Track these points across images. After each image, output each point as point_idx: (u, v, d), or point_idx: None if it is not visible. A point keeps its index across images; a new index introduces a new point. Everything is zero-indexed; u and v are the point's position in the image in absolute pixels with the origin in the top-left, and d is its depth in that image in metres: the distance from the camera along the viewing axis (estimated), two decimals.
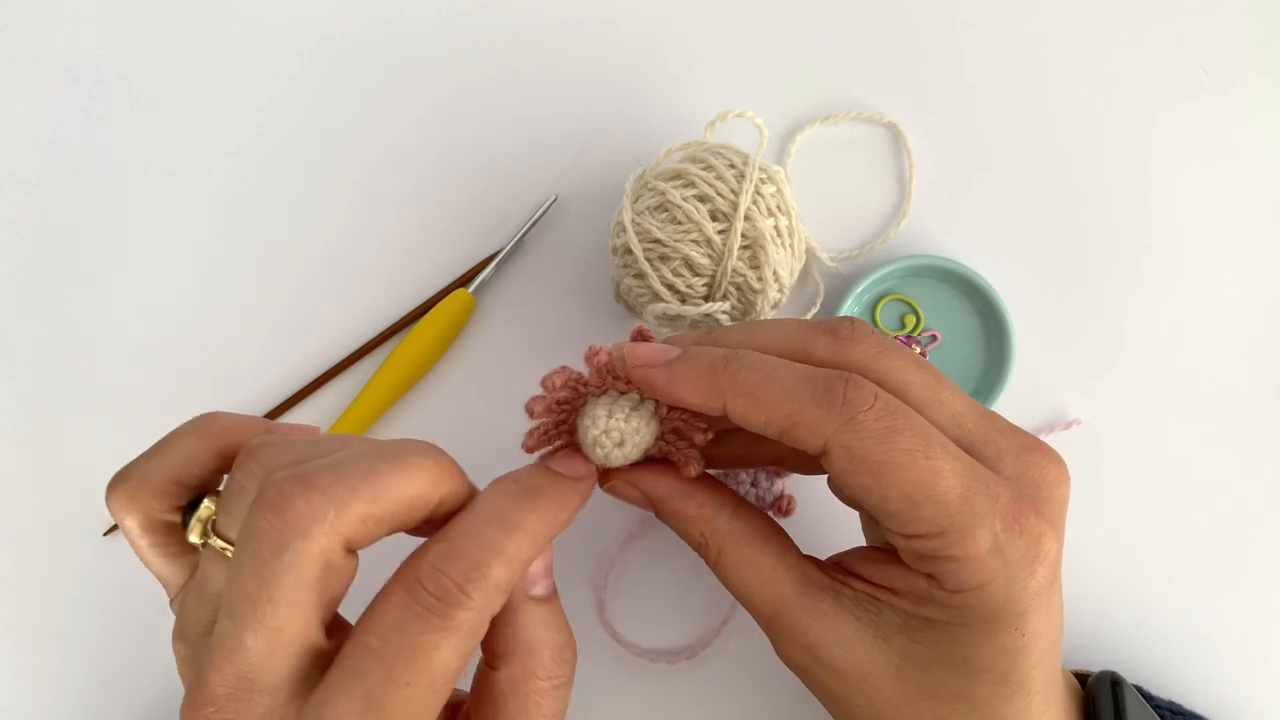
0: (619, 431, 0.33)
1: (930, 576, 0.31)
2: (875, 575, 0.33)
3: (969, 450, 0.32)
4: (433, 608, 0.27)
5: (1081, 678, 0.39)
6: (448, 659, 0.27)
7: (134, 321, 0.51)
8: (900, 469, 0.30)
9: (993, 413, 0.33)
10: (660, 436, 0.35)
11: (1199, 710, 0.44)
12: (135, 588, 0.48)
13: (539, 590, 0.31)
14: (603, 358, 0.33)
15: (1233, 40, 0.50)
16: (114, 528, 0.49)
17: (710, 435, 0.35)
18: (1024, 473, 0.32)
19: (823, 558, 0.36)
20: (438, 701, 0.27)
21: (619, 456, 0.34)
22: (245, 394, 0.49)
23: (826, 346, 0.33)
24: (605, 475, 0.36)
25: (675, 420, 0.35)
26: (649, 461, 0.36)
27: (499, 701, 0.30)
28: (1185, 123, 0.49)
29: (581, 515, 0.36)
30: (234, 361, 0.50)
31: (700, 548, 0.35)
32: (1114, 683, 0.38)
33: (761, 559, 0.34)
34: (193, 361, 0.50)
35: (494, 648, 0.31)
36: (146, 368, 0.50)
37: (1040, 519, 0.30)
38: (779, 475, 0.45)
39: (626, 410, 0.34)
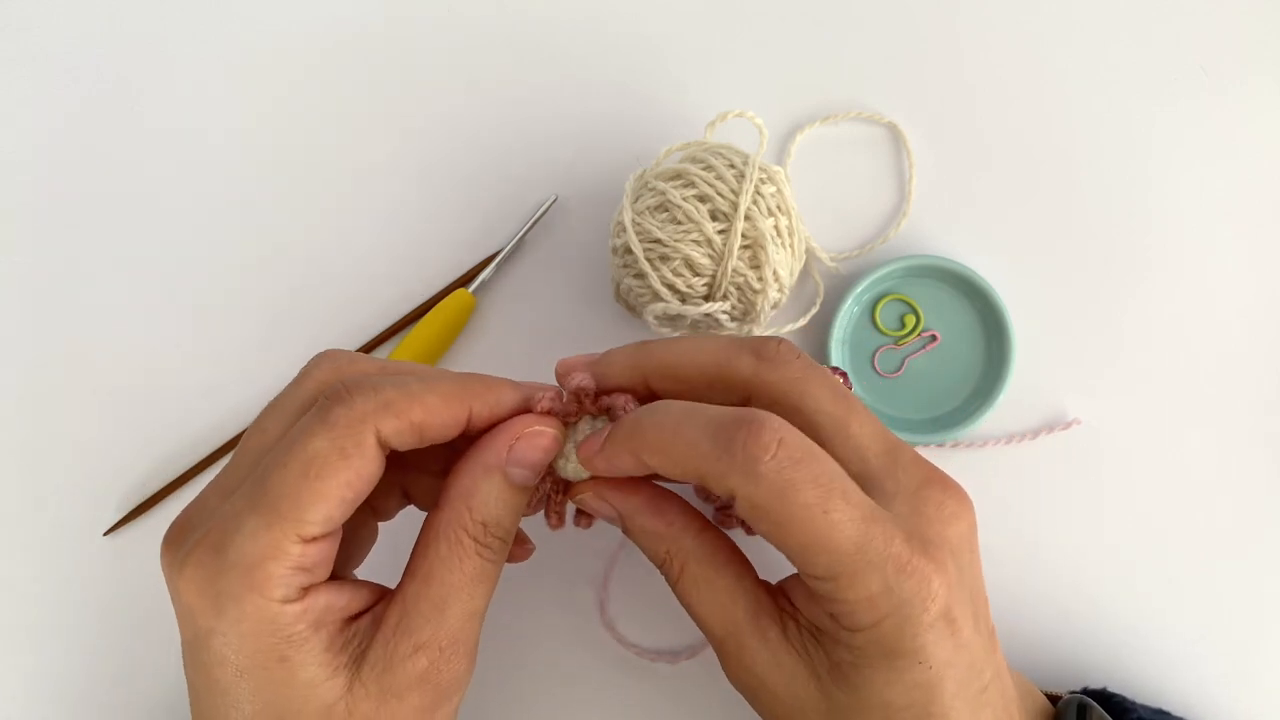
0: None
1: (832, 616, 0.32)
2: (804, 609, 0.34)
3: (869, 484, 0.32)
4: (321, 406, 0.32)
5: (1056, 699, 0.39)
6: (320, 448, 0.31)
7: (133, 322, 0.51)
8: (798, 523, 0.30)
9: (901, 446, 0.34)
10: None
11: (1192, 715, 0.44)
12: (136, 588, 0.48)
13: (514, 472, 0.34)
14: (545, 404, 0.35)
15: (1233, 40, 0.50)
16: (114, 528, 0.49)
17: None
18: (919, 509, 0.32)
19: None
20: (312, 489, 0.31)
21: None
22: (246, 394, 0.49)
23: (749, 365, 0.34)
24: (575, 489, 0.37)
25: None
26: (621, 480, 0.36)
27: (429, 539, 0.34)
28: (1185, 123, 0.49)
29: None
30: (234, 362, 0.50)
31: (663, 564, 0.36)
32: (1080, 706, 0.38)
33: (719, 580, 0.35)
34: (192, 362, 0.50)
35: (445, 491, 0.34)
36: (145, 368, 0.50)
37: (927, 560, 0.31)
38: None
39: (586, 434, 0.36)
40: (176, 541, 0.32)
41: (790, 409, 0.33)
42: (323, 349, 0.49)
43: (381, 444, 0.32)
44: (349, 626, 0.33)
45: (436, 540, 0.33)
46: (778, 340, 0.34)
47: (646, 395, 0.36)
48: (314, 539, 0.31)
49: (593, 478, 0.36)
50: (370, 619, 0.33)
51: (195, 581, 0.31)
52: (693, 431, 0.32)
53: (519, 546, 0.39)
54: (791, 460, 0.30)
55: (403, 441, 0.33)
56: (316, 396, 0.33)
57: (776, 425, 0.31)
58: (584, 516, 0.37)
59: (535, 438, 0.34)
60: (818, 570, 0.31)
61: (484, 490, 0.34)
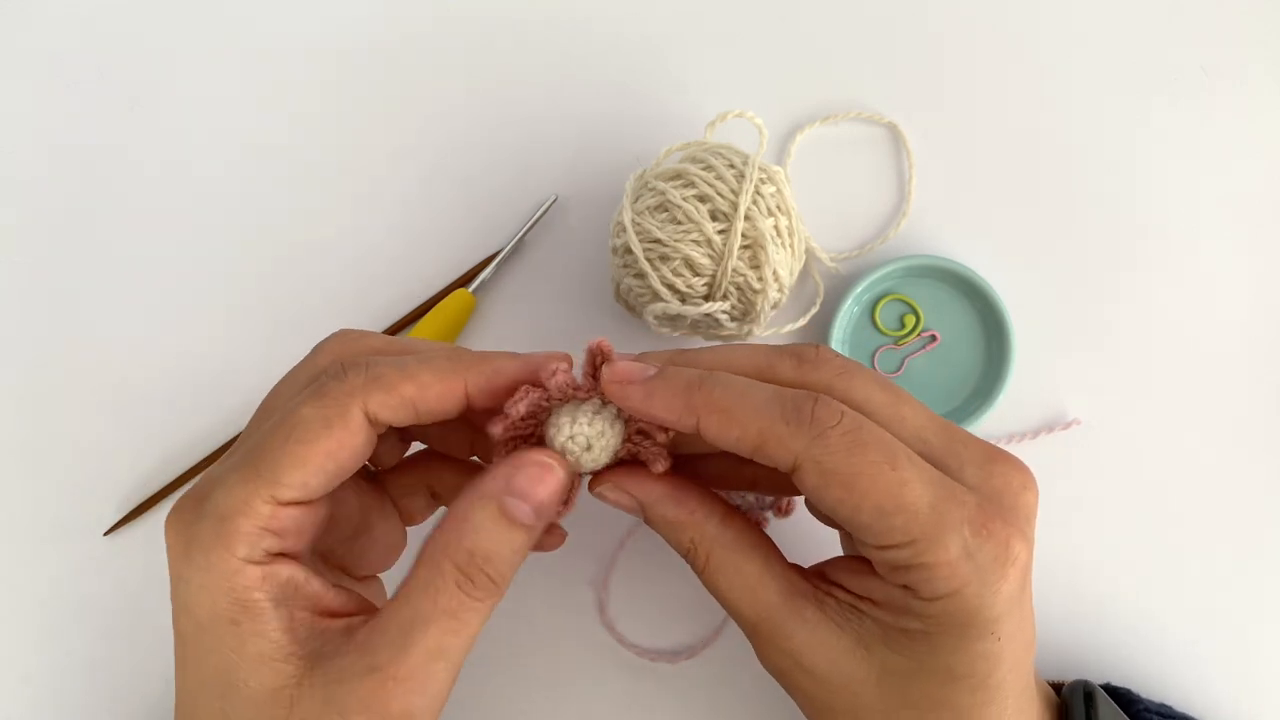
0: (584, 437, 0.34)
1: (905, 587, 0.31)
2: (855, 585, 0.34)
3: (933, 463, 0.32)
4: (319, 381, 0.33)
5: (1059, 688, 0.40)
6: (307, 416, 0.32)
7: (133, 321, 0.51)
8: (869, 480, 0.30)
9: (954, 426, 0.34)
10: (627, 438, 0.36)
11: (1194, 713, 0.44)
12: (135, 588, 0.48)
13: (511, 503, 0.32)
14: (560, 378, 0.34)
15: (1233, 40, 0.50)
16: (114, 528, 0.49)
17: (672, 433, 0.35)
18: (988, 482, 0.32)
19: (821, 559, 0.36)
20: (291, 454, 0.31)
21: (589, 460, 0.35)
22: (247, 393, 0.49)
23: (792, 369, 0.34)
24: (595, 480, 0.36)
25: (640, 421, 0.35)
26: (638, 466, 0.36)
27: (416, 562, 0.32)
28: (1185, 123, 0.49)
29: (582, 515, 0.37)
30: (235, 361, 0.50)
31: (688, 553, 0.36)
32: (1087, 692, 0.38)
33: (748, 566, 0.34)
34: (192, 362, 0.50)
35: (444, 517, 0.33)
36: (146, 367, 0.50)
37: (1007, 525, 0.31)
38: None
39: (589, 415, 0.34)
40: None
41: (841, 401, 0.33)
42: None
43: (371, 419, 0.32)
44: (318, 621, 0.32)
45: (419, 564, 0.32)
46: (815, 345, 0.35)
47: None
48: (288, 504, 0.31)
49: (609, 469, 0.35)
50: (345, 625, 0.32)
51: (175, 527, 0.32)
52: (760, 396, 0.32)
53: (550, 535, 0.37)
54: (856, 426, 0.31)
55: (395, 417, 0.33)
56: (324, 370, 0.34)
57: (839, 403, 0.32)
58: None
59: (534, 468, 0.33)
60: (893, 536, 0.30)
61: (476, 517, 0.32)
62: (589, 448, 0.34)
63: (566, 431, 0.34)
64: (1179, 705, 0.44)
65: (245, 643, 0.31)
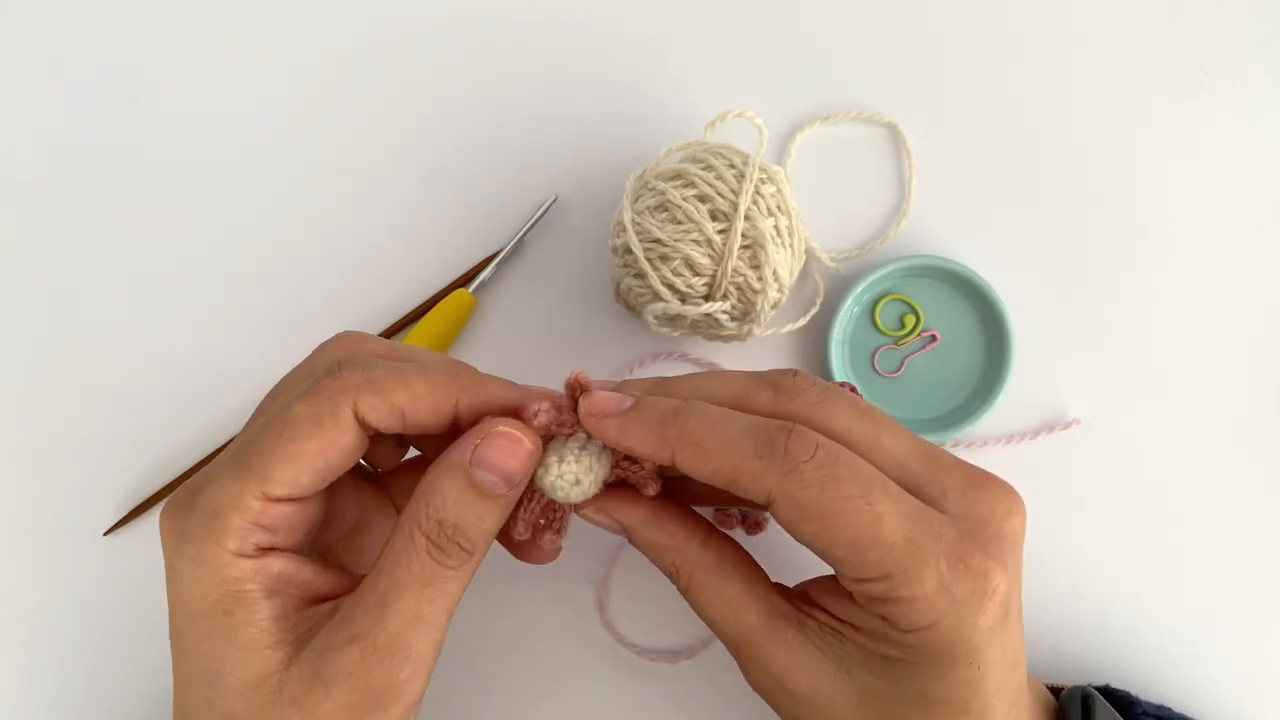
0: (572, 474, 0.34)
1: (883, 618, 0.31)
2: (837, 609, 0.33)
3: (914, 491, 0.32)
4: (315, 380, 0.33)
5: (1058, 691, 0.40)
6: (299, 413, 0.32)
7: (133, 321, 0.51)
8: (843, 515, 0.30)
9: (938, 450, 0.34)
10: (616, 464, 0.35)
11: (1194, 714, 0.44)
12: (135, 588, 0.48)
13: (479, 474, 0.32)
14: (542, 418, 0.33)
15: (1233, 40, 0.50)
16: (114, 528, 0.49)
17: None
18: (971, 510, 0.32)
19: (816, 571, 0.36)
20: (283, 450, 0.31)
21: (579, 494, 0.35)
22: (247, 393, 0.49)
23: (769, 399, 0.34)
24: (581, 504, 0.36)
25: None
26: (625, 489, 0.36)
27: (393, 533, 0.32)
28: (1185, 123, 0.49)
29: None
30: (235, 361, 0.50)
31: (671, 575, 0.36)
32: (1085, 697, 0.38)
33: (729, 589, 0.34)
34: (192, 361, 0.50)
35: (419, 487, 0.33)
36: (146, 367, 0.50)
37: (986, 556, 0.31)
38: None
39: (575, 450, 0.34)
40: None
41: (818, 431, 0.32)
42: None
43: (361, 421, 0.32)
44: (310, 608, 0.32)
45: (394, 535, 0.32)
46: (793, 371, 0.35)
47: None
48: (279, 499, 0.31)
49: (596, 495, 0.35)
50: (332, 606, 0.32)
51: (168, 521, 0.32)
52: (734, 429, 0.32)
53: (541, 552, 0.38)
54: (831, 459, 0.31)
55: (383, 422, 0.33)
56: (321, 369, 0.34)
57: (815, 434, 0.31)
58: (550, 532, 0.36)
59: (499, 439, 0.32)
60: (868, 570, 0.30)
61: (444, 488, 0.32)
62: (578, 483, 0.34)
63: (555, 471, 0.34)
64: (1179, 706, 0.44)
65: (236, 632, 0.31)
